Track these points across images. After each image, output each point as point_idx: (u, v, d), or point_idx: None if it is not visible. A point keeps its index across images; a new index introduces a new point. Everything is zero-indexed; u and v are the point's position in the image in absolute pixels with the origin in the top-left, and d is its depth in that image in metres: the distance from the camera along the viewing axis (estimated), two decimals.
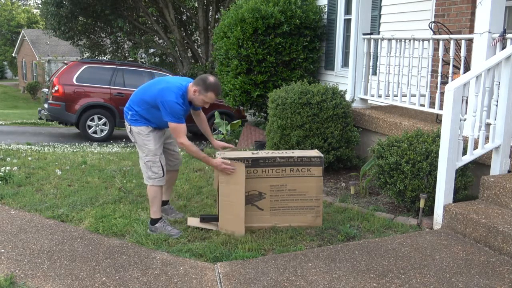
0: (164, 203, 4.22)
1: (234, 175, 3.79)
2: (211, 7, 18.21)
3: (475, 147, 4.10)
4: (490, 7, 4.32)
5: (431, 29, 5.81)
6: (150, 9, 17.93)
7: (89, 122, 11.28)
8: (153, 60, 21.92)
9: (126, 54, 20.41)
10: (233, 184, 3.81)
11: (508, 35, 4.25)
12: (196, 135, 12.82)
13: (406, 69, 5.46)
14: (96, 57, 20.61)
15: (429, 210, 4.08)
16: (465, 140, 4.08)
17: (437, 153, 3.99)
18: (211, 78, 3.71)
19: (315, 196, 4.01)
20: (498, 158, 4.08)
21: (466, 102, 3.96)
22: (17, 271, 3.15)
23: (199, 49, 18.76)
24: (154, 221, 3.89)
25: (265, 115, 9.67)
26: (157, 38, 20.00)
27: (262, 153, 4.06)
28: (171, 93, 3.63)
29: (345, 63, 8.51)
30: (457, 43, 5.04)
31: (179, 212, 4.33)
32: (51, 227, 3.95)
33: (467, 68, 4.76)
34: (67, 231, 3.88)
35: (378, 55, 7.14)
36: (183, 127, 3.67)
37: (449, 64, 4.91)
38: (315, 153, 4.05)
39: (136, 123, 3.85)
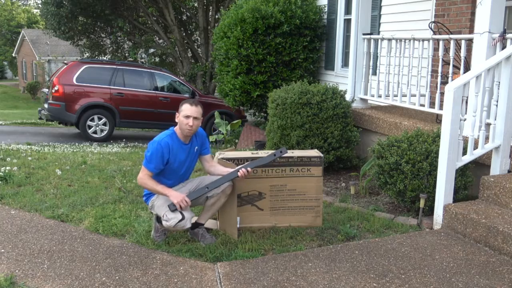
0: (195, 226, 3.75)
1: None
2: (211, 7, 18.21)
3: (475, 147, 4.10)
4: (490, 7, 4.32)
5: (431, 29, 5.81)
6: (150, 9, 17.92)
7: (89, 122, 11.27)
8: (153, 60, 21.91)
9: (126, 54, 20.39)
10: None
11: (508, 35, 4.25)
12: None
13: (406, 69, 5.46)
14: (96, 57, 20.59)
15: (429, 210, 4.08)
16: (465, 140, 4.07)
17: (437, 153, 3.99)
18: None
19: (315, 196, 4.01)
20: (498, 158, 4.08)
21: (466, 102, 3.96)
22: (17, 271, 3.15)
23: (199, 49, 18.76)
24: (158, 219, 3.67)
25: (265, 115, 9.67)
26: (157, 38, 20.00)
27: (262, 153, 4.06)
28: (157, 137, 3.59)
29: (345, 63, 8.50)
30: (457, 43, 5.04)
31: (212, 236, 3.77)
32: (51, 227, 3.95)
33: (467, 68, 4.76)
34: (67, 231, 3.88)
35: (378, 55, 7.14)
36: (146, 169, 3.54)
37: (449, 64, 4.91)
38: (315, 153, 4.05)
39: (148, 199, 3.77)
